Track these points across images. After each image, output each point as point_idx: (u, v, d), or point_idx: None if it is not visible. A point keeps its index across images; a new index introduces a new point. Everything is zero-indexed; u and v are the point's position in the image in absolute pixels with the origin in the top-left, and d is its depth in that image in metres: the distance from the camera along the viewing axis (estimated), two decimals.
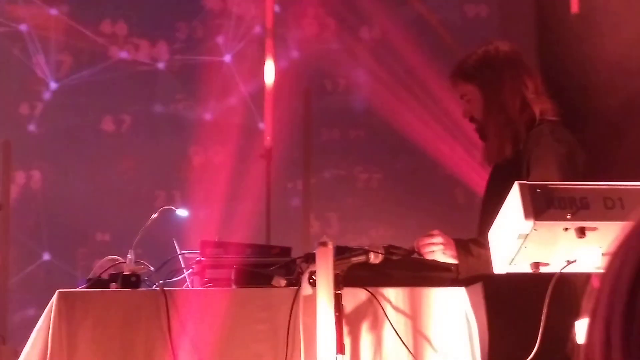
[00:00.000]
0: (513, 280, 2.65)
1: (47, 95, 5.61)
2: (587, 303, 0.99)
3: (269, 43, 5.46)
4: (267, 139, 5.36)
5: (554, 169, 2.87)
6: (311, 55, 5.63)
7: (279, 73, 5.45)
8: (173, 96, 5.69)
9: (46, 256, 5.39)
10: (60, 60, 5.65)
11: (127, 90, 5.62)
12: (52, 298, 2.91)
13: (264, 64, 5.44)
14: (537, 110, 3.02)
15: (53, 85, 5.62)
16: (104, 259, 3.08)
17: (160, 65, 5.70)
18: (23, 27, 5.56)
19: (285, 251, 3.19)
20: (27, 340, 2.91)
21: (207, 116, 5.65)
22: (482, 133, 3.11)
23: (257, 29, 5.67)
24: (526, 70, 3.11)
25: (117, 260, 3.06)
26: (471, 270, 2.92)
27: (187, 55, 5.67)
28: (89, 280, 3.04)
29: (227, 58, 5.68)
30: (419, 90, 5.38)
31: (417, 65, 5.39)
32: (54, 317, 2.87)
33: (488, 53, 3.12)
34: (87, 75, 5.60)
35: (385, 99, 5.44)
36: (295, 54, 5.66)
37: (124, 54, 5.67)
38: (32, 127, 5.56)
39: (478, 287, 3.04)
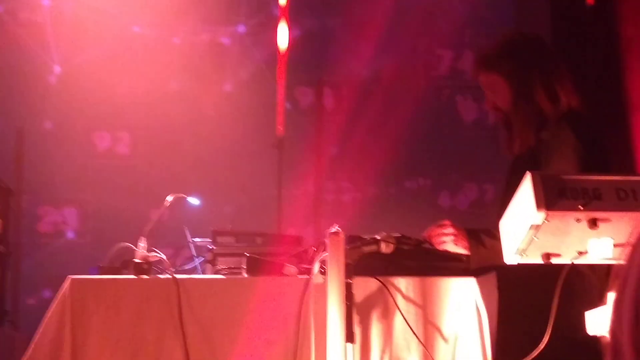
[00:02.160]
0: (525, 271, 2.65)
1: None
2: (613, 281, 1.02)
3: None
4: (279, 129, 5.35)
5: (572, 165, 2.86)
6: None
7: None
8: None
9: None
10: None
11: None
12: (64, 284, 2.92)
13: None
14: (562, 100, 3.00)
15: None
16: (116, 245, 3.09)
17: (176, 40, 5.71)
18: None
19: (297, 240, 3.20)
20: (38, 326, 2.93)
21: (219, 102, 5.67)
22: (506, 123, 3.07)
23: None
24: (552, 59, 3.08)
25: (129, 247, 3.07)
26: (482, 260, 2.92)
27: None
28: (101, 267, 3.05)
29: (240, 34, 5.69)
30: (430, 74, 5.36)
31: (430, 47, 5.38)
32: (66, 304, 2.88)
33: (513, 42, 3.09)
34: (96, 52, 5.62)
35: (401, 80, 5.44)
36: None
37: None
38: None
39: (491, 278, 3.03)
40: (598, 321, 2.30)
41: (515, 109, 3.03)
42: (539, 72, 3.02)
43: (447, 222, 2.95)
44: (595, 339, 2.35)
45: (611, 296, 2.18)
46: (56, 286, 2.97)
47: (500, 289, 3.04)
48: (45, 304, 3.00)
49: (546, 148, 2.93)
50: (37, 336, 2.88)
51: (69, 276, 2.94)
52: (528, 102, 3.01)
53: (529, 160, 2.96)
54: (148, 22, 5.70)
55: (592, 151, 2.91)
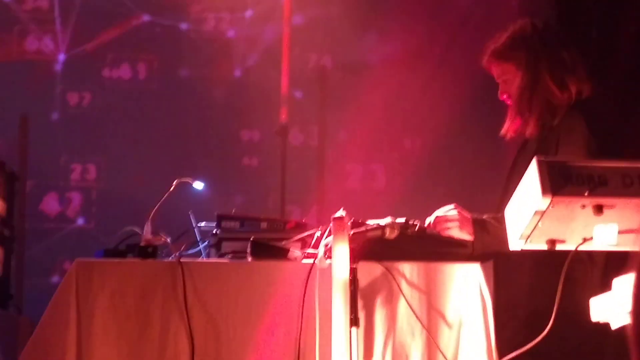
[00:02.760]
0: (526, 257, 2.65)
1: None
2: (631, 267, 1.06)
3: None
4: (283, 117, 5.36)
5: (581, 153, 2.86)
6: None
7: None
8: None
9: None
10: None
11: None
12: (70, 267, 2.93)
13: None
14: (574, 89, 3.00)
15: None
16: (122, 229, 3.10)
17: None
18: None
19: (301, 225, 3.20)
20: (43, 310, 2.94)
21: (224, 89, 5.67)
22: (517, 111, 3.06)
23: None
24: (563, 46, 3.08)
25: (134, 231, 3.08)
26: (487, 247, 2.92)
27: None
28: (106, 250, 3.06)
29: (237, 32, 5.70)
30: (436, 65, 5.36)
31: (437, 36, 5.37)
32: (71, 287, 2.89)
33: (523, 30, 3.08)
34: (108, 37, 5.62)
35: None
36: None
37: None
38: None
39: (490, 264, 3.03)
40: (603, 308, 2.31)
41: (526, 97, 3.02)
42: (549, 61, 3.02)
43: (452, 206, 2.95)
44: (598, 325, 2.35)
45: (617, 282, 2.19)
46: (60, 270, 2.99)
47: (498, 276, 3.04)
48: (49, 288, 3.02)
49: (556, 136, 2.93)
50: (42, 319, 2.90)
51: (76, 259, 2.95)
52: (539, 90, 3.01)
53: (533, 150, 2.96)
54: (156, 10, 5.70)
55: (603, 140, 2.91)
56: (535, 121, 3.00)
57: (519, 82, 3.03)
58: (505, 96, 3.09)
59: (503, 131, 3.11)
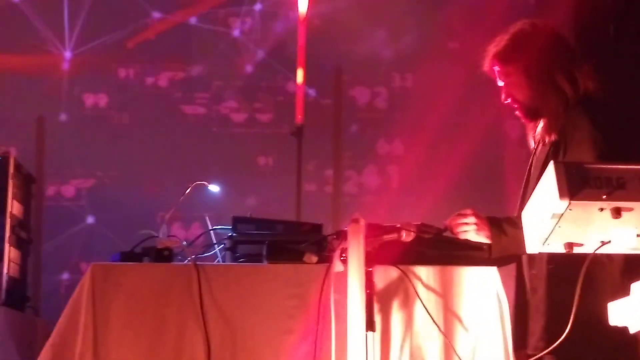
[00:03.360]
0: (549, 259, 2.63)
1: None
2: None
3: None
4: (299, 117, 5.35)
5: (589, 152, 2.84)
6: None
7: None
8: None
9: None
10: None
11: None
12: (86, 271, 2.94)
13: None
14: (578, 88, 2.98)
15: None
16: (138, 233, 3.11)
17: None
18: None
19: (317, 228, 3.20)
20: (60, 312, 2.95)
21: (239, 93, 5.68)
22: (526, 113, 3.04)
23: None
24: (565, 45, 3.06)
25: (151, 234, 3.08)
26: (504, 250, 2.91)
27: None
28: (123, 253, 3.06)
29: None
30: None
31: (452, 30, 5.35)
32: (88, 290, 2.90)
33: (524, 31, 3.07)
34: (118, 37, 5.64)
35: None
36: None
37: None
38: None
39: (511, 268, 3.02)
40: (621, 312, 2.29)
41: (535, 99, 3.01)
42: (554, 62, 3.00)
43: (469, 211, 2.94)
44: (616, 329, 2.34)
45: (636, 286, 2.18)
46: (77, 272, 2.99)
47: (519, 279, 3.03)
48: (66, 290, 3.02)
49: (563, 136, 2.92)
50: (59, 322, 2.91)
51: (92, 263, 2.96)
52: (549, 88, 2.99)
53: (547, 152, 2.95)
54: (165, 6, 5.71)
55: (610, 138, 2.90)
56: (553, 120, 2.97)
57: (526, 83, 3.01)
58: (510, 100, 3.06)
59: (531, 140, 3.08)
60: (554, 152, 2.89)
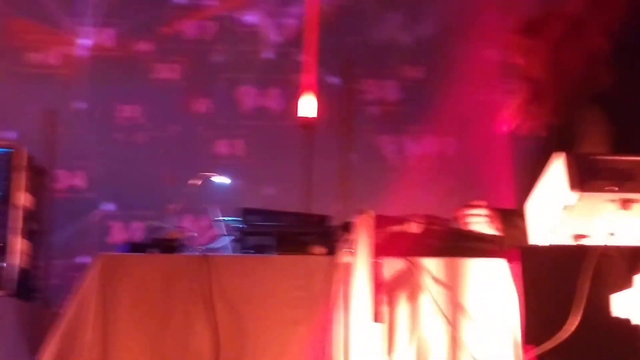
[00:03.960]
0: (552, 252, 2.62)
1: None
2: None
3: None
4: (309, 109, 5.34)
5: (600, 146, 2.82)
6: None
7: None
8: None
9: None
10: None
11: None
12: (93, 261, 2.94)
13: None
14: (597, 81, 2.96)
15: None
16: (147, 223, 3.11)
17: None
18: None
19: (325, 219, 3.19)
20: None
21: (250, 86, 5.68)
22: (536, 93, 3.01)
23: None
24: (587, 37, 3.03)
25: (160, 225, 3.09)
26: (515, 242, 2.89)
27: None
28: (131, 244, 3.07)
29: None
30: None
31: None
32: (95, 280, 2.91)
33: (555, 14, 3.03)
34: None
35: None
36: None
37: None
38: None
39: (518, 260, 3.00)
40: (626, 304, 2.28)
41: (547, 83, 2.98)
42: (576, 49, 2.98)
43: (481, 201, 2.91)
44: (622, 321, 2.32)
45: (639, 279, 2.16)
46: (86, 263, 3.00)
47: (526, 270, 3.01)
48: (75, 281, 3.03)
49: (575, 128, 2.90)
50: (67, 312, 2.91)
51: (99, 253, 2.97)
52: (561, 77, 2.97)
53: (549, 142, 2.93)
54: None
55: (622, 133, 2.88)
56: (556, 106, 2.95)
57: (553, 62, 2.97)
58: (523, 76, 3.03)
59: (534, 120, 3.04)
60: (560, 143, 2.87)
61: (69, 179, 5.55)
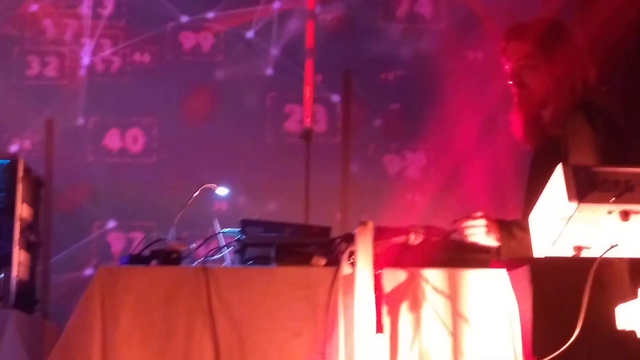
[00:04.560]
0: (557, 264, 2.63)
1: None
2: None
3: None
4: (307, 120, 5.35)
5: (590, 156, 2.84)
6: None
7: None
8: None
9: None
10: None
11: None
12: (95, 274, 2.95)
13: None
14: (584, 89, 2.98)
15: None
16: (146, 235, 3.12)
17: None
18: None
19: (325, 231, 3.20)
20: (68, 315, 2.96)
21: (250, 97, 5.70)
22: (532, 100, 3.01)
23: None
24: (584, 50, 3.06)
25: (159, 237, 3.09)
26: (513, 253, 2.90)
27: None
28: (131, 256, 3.07)
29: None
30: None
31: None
32: (96, 293, 2.91)
33: (553, 22, 3.05)
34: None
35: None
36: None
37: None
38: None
39: (524, 271, 3.01)
40: (629, 315, 2.29)
41: (545, 91, 2.99)
42: (577, 59, 3.00)
43: (479, 212, 2.93)
44: (626, 333, 2.33)
45: None
46: (86, 275, 3.00)
47: (534, 282, 3.01)
48: (75, 293, 3.03)
49: (565, 140, 2.91)
50: (68, 325, 2.91)
51: (100, 266, 2.97)
52: (561, 87, 2.98)
53: (548, 153, 2.94)
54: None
55: (609, 141, 2.89)
56: (559, 114, 2.96)
57: (547, 70, 2.98)
58: (516, 82, 3.02)
59: (526, 131, 3.05)
60: (555, 153, 2.88)
61: (67, 191, 5.55)
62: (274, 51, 5.74)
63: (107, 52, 5.70)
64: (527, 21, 3.09)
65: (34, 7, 5.72)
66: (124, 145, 5.67)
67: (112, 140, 5.66)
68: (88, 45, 5.69)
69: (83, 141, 5.62)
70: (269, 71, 5.74)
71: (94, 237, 5.51)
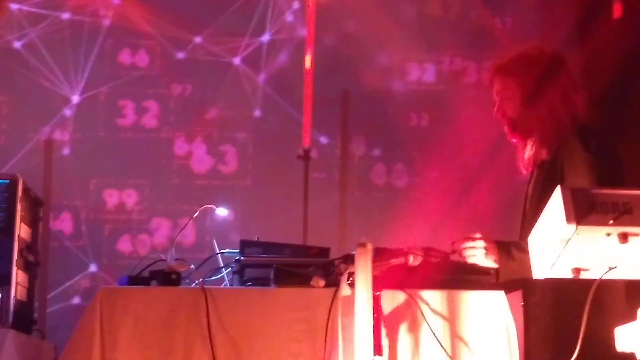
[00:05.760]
0: (553, 286, 2.64)
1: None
2: None
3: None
4: (305, 140, 5.37)
5: (586, 179, 2.86)
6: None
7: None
8: None
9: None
10: None
11: None
12: (95, 294, 2.95)
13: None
14: (574, 114, 3.01)
15: None
16: (146, 256, 3.12)
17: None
18: None
19: (324, 252, 3.21)
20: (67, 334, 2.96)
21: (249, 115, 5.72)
22: (514, 129, 3.07)
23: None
24: (567, 72, 3.10)
25: (159, 258, 3.09)
26: (512, 274, 2.91)
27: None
28: (131, 277, 3.07)
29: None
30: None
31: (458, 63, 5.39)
32: (97, 314, 2.91)
33: (531, 51, 3.10)
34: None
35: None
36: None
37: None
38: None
39: (518, 293, 3.02)
40: (628, 337, 2.30)
41: (524, 119, 3.04)
42: (552, 84, 3.03)
43: (478, 234, 2.94)
44: (626, 355, 2.34)
45: None
46: (84, 296, 3.00)
47: (527, 304, 3.02)
48: (73, 313, 3.04)
49: (559, 162, 2.93)
50: (68, 345, 2.91)
51: (101, 287, 2.97)
52: (538, 113, 3.02)
53: (544, 175, 2.96)
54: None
55: (605, 164, 2.91)
56: (543, 140, 2.99)
57: (520, 99, 3.04)
58: (500, 114, 3.10)
59: (520, 163, 3.10)
60: (550, 177, 2.90)
61: (66, 211, 5.56)
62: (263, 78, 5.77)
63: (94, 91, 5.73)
64: (510, 54, 3.15)
65: None
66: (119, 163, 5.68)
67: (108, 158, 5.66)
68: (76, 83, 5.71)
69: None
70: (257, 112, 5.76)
71: (91, 256, 5.51)
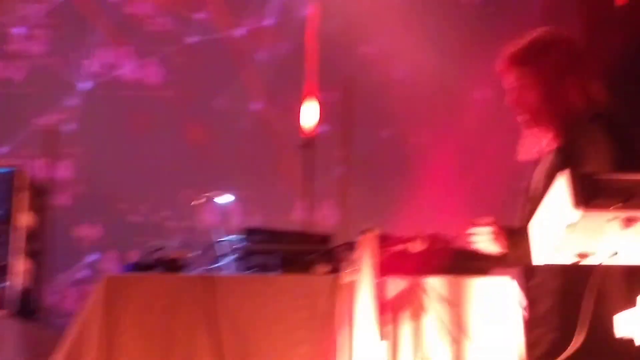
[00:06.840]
0: (554, 271, 2.63)
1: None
2: None
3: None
4: (306, 128, 5.36)
5: (603, 166, 2.84)
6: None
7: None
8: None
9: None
10: None
11: None
12: (100, 281, 2.95)
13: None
14: (592, 101, 2.99)
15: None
16: (151, 243, 3.13)
17: None
18: None
19: (328, 238, 3.20)
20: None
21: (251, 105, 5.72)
22: (531, 118, 3.04)
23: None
24: (583, 59, 3.06)
25: (163, 244, 3.10)
26: (519, 261, 2.89)
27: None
28: (136, 264, 3.08)
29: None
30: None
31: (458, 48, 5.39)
32: (100, 300, 2.91)
33: (545, 40, 3.07)
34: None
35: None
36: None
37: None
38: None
39: (516, 278, 3.01)
40: (628, 323, 2.29)
41: (544, 108, 3.01)
42: (570, 72, 3.01)
43: (488, 219, 2.90)
44: (625, 340, 2.33)
45: None
46: (87, 283, 3.00)
47: (527, 290, 3.01)
48: (76, 299, 3.04)
49: (576, 150, 2.91)
50: (70, 331, 2.91)
51: (106, 274, 2.98)
52: (557, 101, 3.00)
53: (556, 161, 2.95)
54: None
55: (623, 152, 2.90)
56: (556, 130, 2.98)
57: (538, 87, 3.01)
58: (515, 102, 3.05)
59: (525, 151, 3.08)
60: (565, 164, 2.88)
61: (69, 197, 5.57)
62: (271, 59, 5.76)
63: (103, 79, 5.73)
64: (516, 41, 3.11)
65: None
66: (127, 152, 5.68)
67: (114, 149, 5.66)
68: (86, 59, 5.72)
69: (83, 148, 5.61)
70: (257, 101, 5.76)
71: (96, 245, 5.51)
